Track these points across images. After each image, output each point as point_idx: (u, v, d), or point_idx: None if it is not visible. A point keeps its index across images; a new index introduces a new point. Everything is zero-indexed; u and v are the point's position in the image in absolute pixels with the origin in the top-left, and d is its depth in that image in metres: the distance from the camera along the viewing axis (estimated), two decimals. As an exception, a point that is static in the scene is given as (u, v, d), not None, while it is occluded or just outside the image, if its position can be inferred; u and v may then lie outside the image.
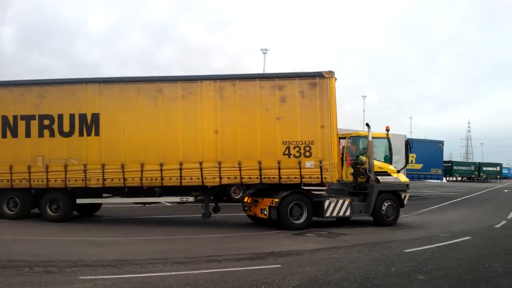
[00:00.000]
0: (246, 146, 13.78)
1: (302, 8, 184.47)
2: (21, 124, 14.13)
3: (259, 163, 13.65)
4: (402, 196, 15.35)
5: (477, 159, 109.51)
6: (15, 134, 14.15)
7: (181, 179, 13.64)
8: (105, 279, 7.23)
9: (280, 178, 13.70)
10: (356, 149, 16.16)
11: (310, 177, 13.85)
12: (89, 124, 13.95)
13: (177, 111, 13.95)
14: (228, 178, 13.76)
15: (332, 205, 14.22)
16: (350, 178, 15.57)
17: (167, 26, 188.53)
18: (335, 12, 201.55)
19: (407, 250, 10.36)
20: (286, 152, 13.73)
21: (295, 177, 13.76)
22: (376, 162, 15.15)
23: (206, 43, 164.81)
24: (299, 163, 13.69)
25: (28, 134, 14.11)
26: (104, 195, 15.20)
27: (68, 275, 7.44)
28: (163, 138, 13.86)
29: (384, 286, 7.08)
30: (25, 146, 14.10)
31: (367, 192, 14.85)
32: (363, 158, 15.27)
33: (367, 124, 15.20)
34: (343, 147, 16.30)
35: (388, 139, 15.90)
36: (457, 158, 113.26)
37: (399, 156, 17.42)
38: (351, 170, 15.74)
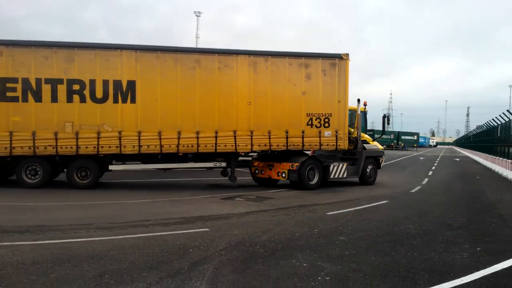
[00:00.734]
0: (276, 117, 15.23)
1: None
2: (46, 88, 13.39)
3: (286, 132, 15.33)
4: (380, 161, 18.65)
5: (397, 128, 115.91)
6: (38, 99, 13.36)
7: (216, 146, 14.61)
8: (23, 245, 6.90)
9: (303, 145, 15.69)
10: None
11: (327, 145, 16.01)
12: (125, 91, 13.92)
13: (214, 82, 14.70)
14: (259, 145, 15.23)
15: (335, 169, 16.58)
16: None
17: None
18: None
19: (329, 213, 10.83)
20: (309, 122, 15.64)
21: (316, 145, 15.94)
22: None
23: (137, 3, 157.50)
24: (319, 132, 15.76)
25: (54, 99, 13.45)
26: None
27: (-18, 243, 7.01)
28: (200, 107, 14.51)
29: (307, 247, 7.35)
30: (51, 111, 13.45)
31: (356, 158, 17.36)
32: (351, 129, 17.43)
33: (358, 100, 17.77)
34: None
35: (364, 112, 18.22)
36: (379, 127, 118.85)
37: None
38: None
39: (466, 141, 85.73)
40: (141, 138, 13.94)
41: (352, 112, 17.70)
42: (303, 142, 15.59)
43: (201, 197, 13.15)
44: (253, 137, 14.98)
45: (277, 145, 15.36)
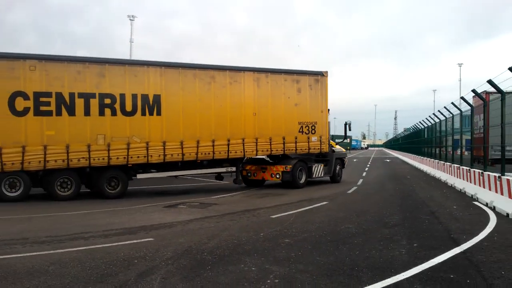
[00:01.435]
0: (275, 125, 17.62)
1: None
2: (79, 102, 13.81)
3: (283, 138, 17.87)
4: (344, 161, 22.13)
5: (332, 132, 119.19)
6: (72, 113, 13.72)
7: (228, 153, 16.41)
8: (-50, 266, 6.38)
9: (296, 149, 18.29)
10: None
11: (314, 149, 18.89)
12: (151, 105, 14.93)
13: (226, 96, 16.49)
14: (262, 150, 17.37)
15: (316, 169, 19.31)
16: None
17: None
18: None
19: (273, 216, 10.99)
20: (301, 130, 18.37)
21: (305, 149, 18.62)
22: None
23: (66, 4, 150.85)
24: (308, 138, 18.58)
25: (87, 113, 13.92)
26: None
27: None
28: (215, 118, 16.15)
29: (254, 251, 7.41)
30: (84, 124, 13.90)
31: (328, 159, 20.22)
32: None
33: (328, 110, 19.72)
34: None
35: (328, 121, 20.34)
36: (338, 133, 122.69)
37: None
38: None
39: (395, 143, 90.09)
40: (166, 147, 15.09)
41: None
42: (296, 147, 18.29)
43: (142, 206, 12.82)
44: (257, 143, 17.20)
45: (276, 150, 17.82)
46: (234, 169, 17.27)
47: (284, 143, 17.84)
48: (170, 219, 10.58)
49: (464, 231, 9.26)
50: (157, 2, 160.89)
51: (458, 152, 20.77)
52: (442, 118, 23.64)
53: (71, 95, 13.65)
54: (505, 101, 12.81)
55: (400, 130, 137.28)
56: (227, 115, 16.47)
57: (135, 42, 58.19)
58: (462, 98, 17.55)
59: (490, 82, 12.83)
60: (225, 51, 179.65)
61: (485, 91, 18.11)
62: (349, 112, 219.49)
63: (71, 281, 5.72)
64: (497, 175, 12.80)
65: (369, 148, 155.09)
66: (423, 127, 33.74)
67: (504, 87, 12.91)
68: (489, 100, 15.61)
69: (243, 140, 16.77)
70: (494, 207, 12.23)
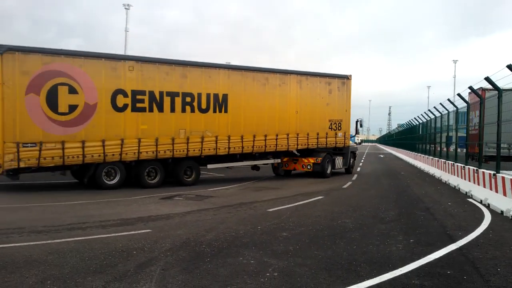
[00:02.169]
0: (311, 122, 19.95)
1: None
2: (167, 100, 15.45)
3: (317, 134, 20.28)
4: (356, 154, 24.66)
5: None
6: (161, 109, 15.33)
7: (276, 146, 18.67)
8: None
9: (326, 144, 20.73)
10: None
11: (339, 143, 21.36)
12: (220, 103, 16.82)
13: (275, 96, 18.70)
14: (301, 144, 19.70)
15: (337, 161, 21.76)
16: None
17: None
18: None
19: (270, 210, 11.02)
20: (330, 126, 20.83)
21: (333, 143, 21.11)
22: None
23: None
24: (336, 134, 21.12)
25: (173, 110, 15.60)
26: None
27: None
28: (267, 115, 18.28)
29: (253, 244, 7.44)
30: (170, 120, 15.54)
31: (344, 152, 22.25)
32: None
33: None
34: None
35: None
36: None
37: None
38: None
39: (389, 139, 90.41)
40: (230, 141, 17.00)
41: None
42: (326, 142, 20.74)
43: (138, 197, 12.81)
44: (298, 138, 19.47)
45: (311, 144, 20.11)
46: (278, 160, 20.08)
47: (317, 138, 20.30)
48: (167, 210, 10.58)
49: (460, 228, 9.34)
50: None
51: (452, 148, 20.89)
52: (438, 114, 23.74)
53: (161, 94, 15.30)
54: (502, 98, 12.86)
55: (394, 125, 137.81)
56: (276, 113, 18.68)
57: (129, 31, 57.73)
58: (458, 94, 17.61)
59: (487, 79, 12.89)
60: (218, 41, 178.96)
61: (481, 87, 18.19)
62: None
63: (70, 271, 5.72)
64: (492, 172, 12.90)
65: (363, 144, 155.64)
66: (417, 123, 33.86)
67: (501, 85, 12.98)
68: (485, 97, 15.67)
69: (288, 135, 19.06)
70: (489, 204, 12.34)
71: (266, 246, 7.36)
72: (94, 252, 6.66)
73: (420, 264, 6.47)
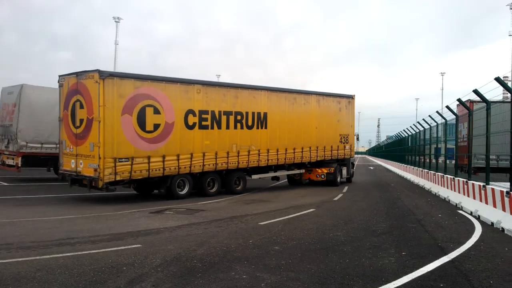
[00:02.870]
0: (327, 136, 22.67)
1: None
2: (223, 118, 17.45)
3: (331, 146, 22.97)
4: (354, 165, 27.95)
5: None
6: (219, 126, 17.29)
7: (302, 158, 21.14)
8: None
9: (337, 155, 23.48)
10: None
11: (346, 155, 24.25)
12: (262, 120, 19.00)
13: (301, 114, 21.10)
14: (318, 156, 22.12)
15: (343, 171, 24.32)
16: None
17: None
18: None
19: (261, 223, 10.95)
20: (340, 140, 23.65)
21: (342, 155, 23.90)
22: None
23: (49, 5, 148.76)
24: (344, 147, 23.95)
25: (227, 127, 17.59)
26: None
27: None
28: (295, 131, 20.62)
29: (245, 258, 7.36)
30: (225, 136, 17.51)
31: (346, 163, 24.68)
32: None
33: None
34: None
35: None
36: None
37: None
38: None
39: (378, 151, 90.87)
40: (269, 154, 19.27)
41: None
42: (338, 153, 23.46)
43: (127, 211, 12.66)
44: (318, 150, 21.98)
45: (327, 156, 22.73)
46: (303, 171, 22.54)
47: (331, 150, 22.98)
48: (157, 225, 10.45)
49: (451, 240, 9.36)
50: (140, 4, 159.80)
51: (441, 160, 21.04)
52: (427, 126, 23.94)
53: (219, 113, 17.24)
54: (490, 110, 13.00)
55: (383, 137, 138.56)
56: (302, 129, 21.06)
57: (119, 44, 57.77)
58: (447, 107, 17.79)
59: (476, 91, 13.04)
60: (209, 54, 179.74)
61: (469, 100, 18.40)
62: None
63: (59, 287, 5.60)
64: (481, 184, 12.98)
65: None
66: (406, 135, 34.10)
67: (489, 97, 13.14)
68: (474, 109, 15.83)
69: (310, 148, 21.51)
70: (479, 216, 12.39)
71: (258, 260, 7.29)
72: (84, 268, 6.53)
73: (413, 277, 6.45)
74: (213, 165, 16.98)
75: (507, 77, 47.68)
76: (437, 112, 20.08)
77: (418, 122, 26.08)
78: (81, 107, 14.32)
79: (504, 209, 10.89)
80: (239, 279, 6.22)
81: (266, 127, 19.15)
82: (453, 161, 18.62)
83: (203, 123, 16.65)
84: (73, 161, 14.66)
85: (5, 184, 20.20)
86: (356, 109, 25.30)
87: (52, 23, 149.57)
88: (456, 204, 15.28)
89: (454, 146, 18.78)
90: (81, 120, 14.31)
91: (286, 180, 23.90)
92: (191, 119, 16.23)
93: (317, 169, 22.76)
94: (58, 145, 16.20)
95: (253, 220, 11.42)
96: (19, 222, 10.57)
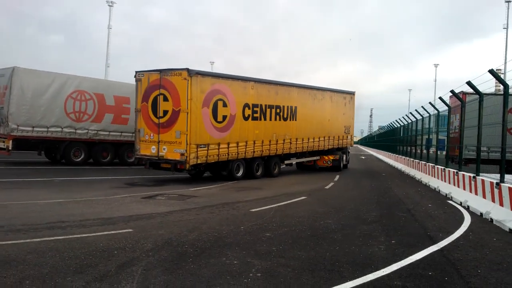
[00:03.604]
0: (336, 127, 25.88)
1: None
2: (268, 111, 19.97)
3: (338, 136, 26.23)
4: (349, 152, 29.88)
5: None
6: (265, 118, 19.88)
7: (318, 147, 24.14)
8: None
9: (342, 144, 26.79)
10: None
11: (348, 144, 27.87)
12: (293, 113, 21.69)
13: (318, 108, 24.06)
14: (329, 145, 25.27)
15: (345, 158, 27.69)
16: None
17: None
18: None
19: (253, 210, 10.99)
20: (344, 131, 26.92)
21: (346, 144, 27.44)
22: None
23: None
24: (347, 137, 27.41)
25: (270, 118, 20.14)
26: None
27: None
28: (315, 122, 23.53)
29: (236, 244, 7.39)
30: (268, 126, 20.08)
31: (344, 151, 27.68)
32: None
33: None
34: None
35: None
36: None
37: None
38: None
39: (370, 141, 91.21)
40: (297, 142, 22.06)
41: None
42: (342, 143, 26.76)
43: (118, 196, 12.61)
44: (329, 140, 25.13)
45: (335, 145, 25.85)
46: (318, 157, 25.50)
47: (338, 140, 26.15)
48: (149, 210, 10.44)
49: (440, 229, 9.46)
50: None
51: (432, 151, 21.16)
52: (419, 117, 24.04)
53: (265, 106, 19.77)
54: (483, 102, 13.06)
55: (375, 127, 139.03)
56: (319, 121, 23.95)
57: (112, 28, 57.06)
58: (440, 98, 17.86)
59: (469, 83, 13.09)
60: (202, 40, 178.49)
61: (462, 91, 18.48)
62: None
63: (50, 271, 5.59)
64: (471, 175, 13.10)
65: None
66: (399, 125, 34.24)
67: (482, 89, 13.20)
68: (466, 101, 15.91)
69: (324, 138, 24.53)
70: (468, 206, 12.53)
71: (249, 246, 7.32)
72: (74, 251, 6.53)
73: (402, 265, 6.53)
74: (260, 151, 19.54)
75: (500, 69, 47.82)
76: (429, 103, 20.17)
77: (410, 113, 26.22)
78: (165, 99, 16.29)
79: (493, 200, 11.01)
80: (230, 264, 6.25)
81: (296, 119, 21.80)
82: (444, 152, 18.75)
83: (255, 115, 19.18)
84: (153, 147, 16.65)
85: None
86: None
87: (43, 7, 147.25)
88: (446, 194, 15.42)
89: (445, 137, 18.90)
90: (165, 112, 16.31)
91: (295, 166, 26.29)
92: (247, 112, 18.76)
93: (324, 157, 25.59)
94: (134, 134, 17.88)
95: (244, 207, 11.46)
96: (10, 205, 10.49)
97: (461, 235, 8.99)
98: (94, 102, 21.94)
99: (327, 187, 17.38)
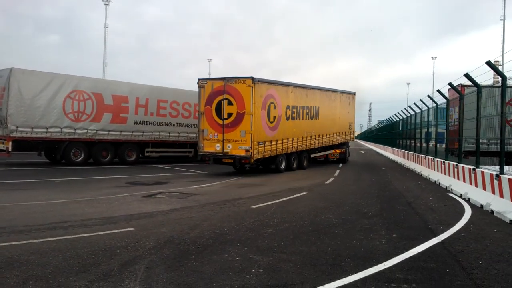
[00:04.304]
0: (343, 125, 28.90)
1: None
2: (301, 111, 22.82)
3: (344, 132, 29.12)
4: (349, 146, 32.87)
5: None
6: (299, 118, 22.72)
7: (332, 142, 27.08)
8: None
9: (346, 139, 29.95)
10: None
11: (350, 139, 31.01)
12: (317, 113, 24.62)
13: (331, 107, 26.89)
14: (338, 140, 28.19)
15: (348, 151, 30.99)
16: None
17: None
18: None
19: (254, 206, 11.01)
20: (348, 127, 29.89)
21: (348, 139, 30.45)
22: None
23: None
24: (350, 132, 30.45)
25: (302, 118, 22.98)
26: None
27: None
28: (330, 120, 26.59)
29: (237, 241, 7.42)
30: (301, 125, 22.90)
31: (347, 145, 30.95)
32: None
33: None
34: None
35: None
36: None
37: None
38: None
39: (369, 135, 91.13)
40: (319, 138, 25.02)
41: None
42: (347, 138, 29.91)
43: (119, 195, 12.62)
44: (339, 135, 28.12)
45: (341, 140, 28.87)
46: (332, 151, 28.79)
47: (344, 135, 29.19)
48: (150, 208, 10.46)
49: (441, 222, 9.49)
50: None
51: (432, 144, 21.18)
52: (418, 110, 24.06)
53: (299, 107, 22.62)
54: (481, 94, 13.07)
55: (375, 122, 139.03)
56: (333, 118, 26.90)
57: (108, 27, 56.98)
58: (438, 91, 17.86)
59: (467, 75, 13.09)
60: (198, 37, 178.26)
61: (460, 84, 18.48)
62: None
63: (53, 271, 5.61)
64: (471, 167, 13.13)
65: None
66: (398, 119, 34.25)
67: (480, 81, 13.20)
68: (465, 93, 15.91)
69: (335, 133, 27.50)
70: (469, 198, 12.56)
71: (251, 242, 7.35)
72: (77, 251, 6.55)
73: (404, 258, 6.56)
74: (296, 147, 22.25)
75: (497, 61, 47.80)
76: (428, 96, 20.17)
77: (409, 106, 26.20)
78: (230, 103, 18.91)
79: (493, 192, 11.04)
80: (232, 260, 6.28)
81: (318, 118, 24.68)
82: (444, 145, 18.77)
83: (293, 115, 21.98)
84: (218, 145, 19.19)
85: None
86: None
87: (39, 7, 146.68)
88: (446, 187, 15.45)
89: (444, 130, 18.91)
90: (229, 114, 18.91)
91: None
92: (288, 112, 21.55)
93: (332, 151, 28.74)
94: (197, 133, 20.66)
95: (245, 204, 11.48)
96: (11, 206, 10.51)
97: (462, 227, 9.02)
98: (92, 102, 21.93)
99: (327, 182, 17.41)
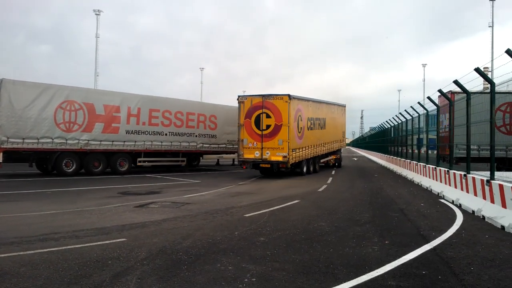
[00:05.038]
0: (338, 133, 32.11)
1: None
2: (315, 122, 26.12)
3: (340, 140, 32.41)
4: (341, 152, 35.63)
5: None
6: (315, 128, 26.06)
7: (331, 149, 30.13)
8: None
9: (340, 146, 33.22)
10: None
11: (343, 146, 34.38)
12: (324, 123, 27.96)
13: (332, 118, 29.98)
14: (335, 147, 31.16)
15: (341, 156, 34.16)
16: None
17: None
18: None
19: (247, 215, 10.99)
20: (342, 136, 33.24)
21: (342, 146, 33.81)
22: None
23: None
24: (343, 139, 33.75)
25: (316, 128, 26.37)
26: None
27: None
28: (331, 130, 29.70)
29: (230, 250, 7.40)
30: (317, 134, 26.33)
31: (341, 151, 34.04)
32: None
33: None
34: None
35: None
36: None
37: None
38: None
39: (361, 142, 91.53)
40: (325, 145, 28.25)
41: None
42: (340, 145, 32.87)
43: (111, 206, 12.55)
44: (336, 143, 31.18)
45: (337, 147, 32.01)
46: (333, 157, 32.36)
47: (339, 142, 32.38)
48: (142, 219, 10.40)
49: (433, 228, 9.53)
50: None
51: (423, 150, 21.31)
52: (409, 117, 24.19)
53: (314, 119, 26.03)
54: (471, 101, 13.20)
55: (367, 129, 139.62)
56: (333, 128, 30.13)
57: (100, 37, 56.98)
58: (428, 97, 18.01)
59: (456, 82, 13.22)
60: (191, 46, 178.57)
61: (450, 91, 18.65)
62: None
63: (44, 282, 5.57)
64: (462, 173, 13.22)
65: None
66: (389, 126, 34.45)
67: (470, 87, 13.34)
68: (455, 100, 16.06)
69: (334, 141, 30.74)
70: (460, 204, 12.63)
71: (243, 251, 7.34)
72: (68, 263, 6.50)
73: (396, 265, 6.57)
74: (313, 153, 25.76)
75: (487, 68, 48.34)
76: (418, 103, 20.33)
77: (400, 113, 26.37)
78: (268, 117, 22.23)
79: (484, 198, 11.12)
80: (225, 270, 6.26)
81: (325, 128, 28.16)
82: (435, 151, 18.89)
83: (311, 126, 25.45)
84: (257, 152, 22.29)
85: None
86: (338, 101, 34.74)
87: (31, 16, 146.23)
88: (438, 193, 15.53)
89: (435, 137, 19.04)
90: (268, 125, 22.22)
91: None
92: (309, 124, 25.00)
93: (332, 156, 32.12)
94: (237, 143, 23.73)
95: (238, 212, 11.46)
96: (1, 218, 10.40)
97: (454, 233, 9.06)
98: (84, 112, 21.87)
99: (320, 189, 17.43)
